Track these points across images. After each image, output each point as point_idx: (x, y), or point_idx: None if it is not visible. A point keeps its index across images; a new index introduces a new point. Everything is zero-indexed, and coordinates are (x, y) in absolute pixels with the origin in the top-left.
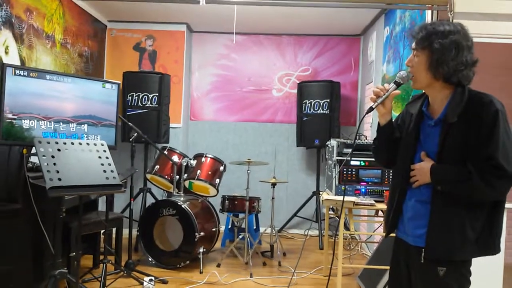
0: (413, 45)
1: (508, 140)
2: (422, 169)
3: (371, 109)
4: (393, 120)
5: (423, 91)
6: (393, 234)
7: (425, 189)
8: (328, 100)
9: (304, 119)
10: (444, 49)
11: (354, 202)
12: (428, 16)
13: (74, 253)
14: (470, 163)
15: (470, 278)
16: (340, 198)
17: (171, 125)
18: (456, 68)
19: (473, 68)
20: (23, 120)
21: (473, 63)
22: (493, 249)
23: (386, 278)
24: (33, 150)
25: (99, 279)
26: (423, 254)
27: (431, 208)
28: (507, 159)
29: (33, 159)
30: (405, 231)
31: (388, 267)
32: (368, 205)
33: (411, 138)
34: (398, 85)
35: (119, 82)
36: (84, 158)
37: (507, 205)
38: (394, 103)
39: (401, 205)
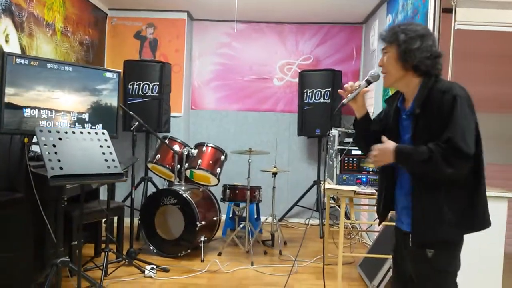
0: (382, 45)
1: (466, 123)
2: (385, 149)
3: (342, 104)
4: (378, 114)
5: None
6: (393, 223)
7: (407, 181)
8: (330, 89)
9: (305, 108)
10: (410, 39)
11: (355, 191)
12: (431, 4)
13: (75, 242)
14: (432, 144)
15: (460, 258)
16: (341, 187)
17: (172, 114)
18: (422, 56)
19: (439, 59)
20: (24, 109)
21: (438, 54)
22: (479, 225)
23: (386, 266)
24: (35, 139)
25: (101, 267)
26: (410, 238)
27: (412, 196)
28: (465, 141)
29: (35, 148)
30: (400, 219)
31: (387, 256)
32: (369, 194)
33: (392, 132)
34: (369, 83)
35: (119, 70)
36: (85, 147)
37: (507, 195)
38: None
39: (391, 196)
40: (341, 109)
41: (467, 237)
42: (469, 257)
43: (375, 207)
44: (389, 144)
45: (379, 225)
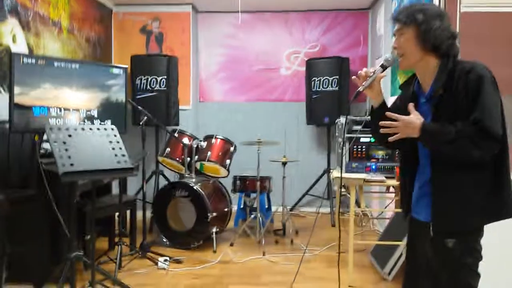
0: (396, 26)
1: (493, 104)
2: (411, 123)
3: (358, 93)
4: (394, 102)
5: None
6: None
7: (427, 168)
8: (337, 77)
9: (314, 97)
10: (429, 18)
11: (364, 179)
12: None
13: (89, 236)
14: (459, 124)
15: (481, 251)
16: (351, 175)
17: (181, 107)
18: (443, 36)
19: (456, 40)
20: (33, 108)
21: (456, 35)
22: (507, 213)
23: (397, 253)
24: (45, 137)
25: (115, 260)
26: (431, 227)
27: (432, 185)
28: (493, 122)
29: (46, 145)
30: (417, 210)
31: (398, 243)
32: (378, 182)
33: None
34: (384, 68)
35: (126, 66)
36: (95, 143)
37: None
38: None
39: (412, 187)
40: (357, 97)
41: (494, 224)
42: (494, 245)
43: (396, 199)
44: (415, 119)
45: (405, 217)
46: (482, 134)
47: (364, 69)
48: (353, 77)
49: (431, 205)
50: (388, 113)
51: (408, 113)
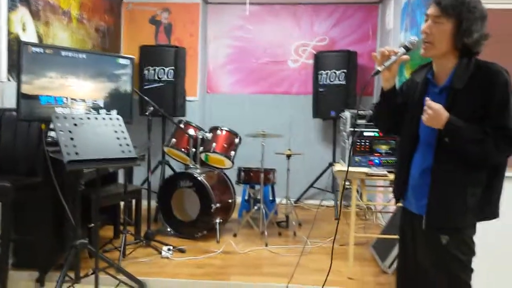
0: (434, 11)
1: None
2: (439, 115)
3: (377, 72)
4: (399, 86)
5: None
6: (400, 204)
7: (428, 156)
8: (345, 71)
9: (320, 90)
10: (474, 20)
11: (366, 173)
12: None
13: (93, 224)
14: (487, 127)
15: (475, 247)
16: (353, 169)
17: (188, 98)
18: (479, 39)
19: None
20: (40, 97)
21: (489, 36)
22: (491, 214)
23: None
24: (52, 126)
25: (119, 249)
26: (423, 221)
27: (432, 175)
28: None
29: (53, 133)
30: (410, 200)
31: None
32: (380, 176)
33: (417, 106)
34: (407, 50)
35: (133, 57)
36: (100, 133)
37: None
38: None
39: (408, 175)
40: (376, 75)
41: (489, 223)
42: (489, 243)
43: (392, 186)
44: (443, 110)
45: (395, 204)
46: (507, 140)
47: (387, 47)
48: (373, 53)
49: (428, 197)
50: (427, 101)
51: (415, 102)
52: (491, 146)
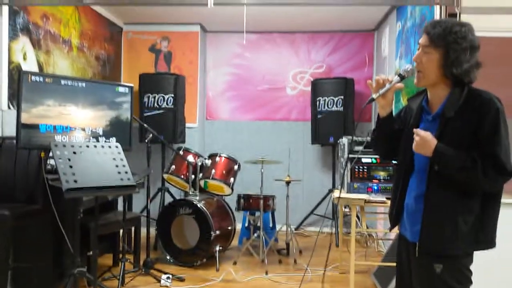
0: (423, 41)
1: (506, 139)
2: (427, 142)
3: (371, 100)
4: (394, 113)
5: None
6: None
7: (422, 182)
8: (342, 97)
9: (319, 116)
10: (462, 50)
11: (365, 199)
12: (437, 12)
13: (91, 252)
14: (475, 154)
15: (471, 277)
16: (351, 196)
17: (187, 125)
18: (469, 69)
19: (478, 70)
20: (40, 125)
21: (481, 65)
22: (487, 243)
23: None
24: (51, 154)
25: (118, 277)
26: (417, 248)
27: (425, 202)
28: (508, 159)
29: (52, 161)
30: (405, 227)
31: None
32: (379, 203)
33: (411, 132)
34: (402, 78)
35: (132, 85)
36: (99, 160)
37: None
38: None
39: (403, 200)
40: (369, 104)
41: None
42: (487, 270)
43: (388, 212)
44: (431, 138)
45: (390, 230)
46: (497, 168)
47: (382, 76)
48: (369, 81)
49: (421, 227)
50: (415, 130)
51: (410, 128)
52: (479, 174)
